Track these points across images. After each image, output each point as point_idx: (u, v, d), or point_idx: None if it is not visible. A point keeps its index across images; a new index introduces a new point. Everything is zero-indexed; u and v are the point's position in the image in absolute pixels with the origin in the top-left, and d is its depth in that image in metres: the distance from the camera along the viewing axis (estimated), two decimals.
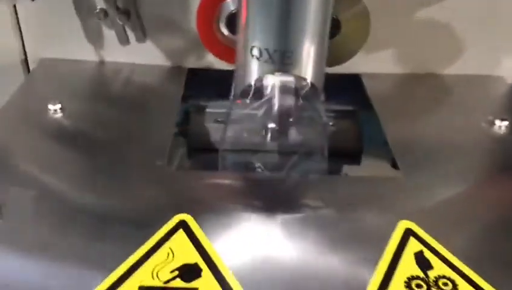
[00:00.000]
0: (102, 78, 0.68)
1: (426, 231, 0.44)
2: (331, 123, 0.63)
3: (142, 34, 0.66)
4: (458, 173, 0.53)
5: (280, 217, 0.46)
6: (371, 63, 0.67)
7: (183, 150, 0.63)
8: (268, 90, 0.48)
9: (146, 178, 0.50)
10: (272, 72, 0.47)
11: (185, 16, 0.65)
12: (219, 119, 0.63)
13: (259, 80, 0.48)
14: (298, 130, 0.54)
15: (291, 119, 0.51)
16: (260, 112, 0.51)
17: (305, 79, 0.48)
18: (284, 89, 0.48)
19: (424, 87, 0.68)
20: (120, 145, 0.55)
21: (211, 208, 0.46)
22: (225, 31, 0.56)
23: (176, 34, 0.67)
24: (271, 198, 0.49)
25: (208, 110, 0.64)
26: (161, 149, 0.53)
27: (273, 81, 0.48)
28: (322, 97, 0.52)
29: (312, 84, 0.49)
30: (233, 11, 0.54)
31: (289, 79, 0.48)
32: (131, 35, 0.66)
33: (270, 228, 0.45)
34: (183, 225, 0.43)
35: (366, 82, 0.68)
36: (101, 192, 0.47)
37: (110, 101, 0.63)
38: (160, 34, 0.67)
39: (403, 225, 0.44)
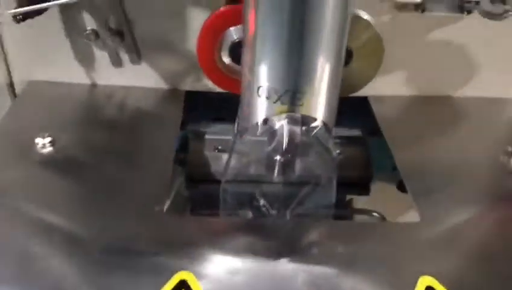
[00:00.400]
0: (94, 103, 0.64)
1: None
2: (338, 151, 0.60)
3: (137, 56, 0.62)
4: (474, 206, 0.50)
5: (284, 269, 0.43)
6: (379, 85, 0.61)
7: (181, 179, 0.60)
8: (276, 132, 0.45)
9: (143, 222, 0.46)
10: (281, 113, 0.43)
11: (182, 36, 0.61)
12: (219, 148, 0.60)
13: (266, 120, 0.44)
14: (306, 163, 0.51)
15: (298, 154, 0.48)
16: (267, 148, 0.47)
17: (316, 119, 0.44)
18: (293, 130, 0.44)
19: (435, 110, 0.65)
20: (115, 181, 0.51)
21: (212, 261, 0.43)
22: (227, 60, 0.52)
23: (172, 55, 0.63)
24: (274, 247, 0.45)
25: (207, 136, 0.60)
26: (159, 187, 0.49)
27: (281, 123, 0.44)
28: (333, 132, 0.49)
29: (324, 123, 0.45)
30: (236, 40, 0.50)
31: (298, 119, 0.44)
32: (124, 56, 0.62)
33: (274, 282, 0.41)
34: (183, 285, 0.40)
35: (373, 105, 0.65)
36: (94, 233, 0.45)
37: (103, 128, 0.59)
38: (155, 55, 0.63)
39: (424, 281, 0.41)
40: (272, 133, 0.45)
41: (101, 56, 0.62)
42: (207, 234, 0.46)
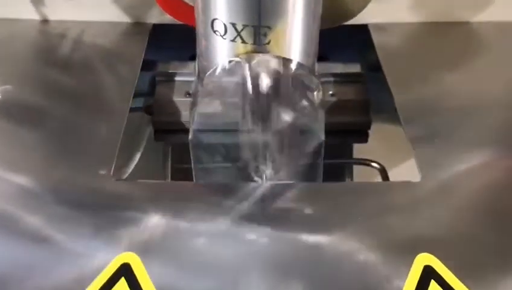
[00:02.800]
0: (46, 41, 0.56)
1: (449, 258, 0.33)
2: (331, 92, 0.51)
3: None
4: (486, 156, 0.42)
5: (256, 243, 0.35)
6: (380, 10, 0.53)
7: (149, 129, 0.52)
8: (239, 76, 0.36)
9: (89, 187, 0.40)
10: (244, 54, 0.34)
11: None
12: (191, 92, 0.51)
13: (228, 62, 0.35)
14: (286, 111, 0.42)
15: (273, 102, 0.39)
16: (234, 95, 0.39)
17: (289, 60, 0.35)
18: (258, 77, 0.35)
19: (446, 39, 0.55)
20: (68, 128, 0.45)
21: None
22: None
23: None
24: (245, 214, 0.37)
25: (177, 79, 0.52)
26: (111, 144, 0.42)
27: (243, 67, 0.35)
28: (315, 68, 0.40)
29: (300, 64, 0.36)
30: None
31: (265, 61, 0.35)
32: None
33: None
34: (125, 270, 0.33)
35: (374, 35, 0.55)
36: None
37: (56, 70, 0.52)
38: None
39: (421, 259, 0.33)
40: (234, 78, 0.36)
41: None
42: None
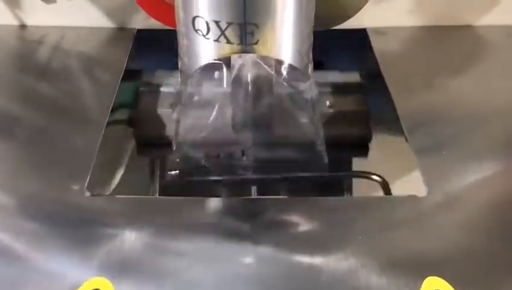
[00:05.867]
0: (24, 47, 0.54)
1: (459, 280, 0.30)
2: (328, 102, 0.48)
3: None
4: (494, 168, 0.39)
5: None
6: (379, 14, 0.52)
7: (131, 143, 0.49)
8: (224, 80, 0.32)
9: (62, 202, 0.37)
10: (230, 54, 0.31)
11: None
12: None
13: (209, 65, 0.32)
14: (279, 122, 0.39)
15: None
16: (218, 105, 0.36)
17: (280, 62, 0.32)
18: (246, 79, 0.32)
19: (449, 43, 0.52)
20: (44, 138, 0.42)
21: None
22: None
23: None
24: (231, 232, 0.34)
25: (162, 89, 0.49)
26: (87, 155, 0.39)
27: (228, 69, 0.31)
28: (310, 72, 0.37)
29: (292, 66, 0.33)
30: None
31: (253, 63, 0.31)
32: None
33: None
34: None
35: (373, 39, 0.52)
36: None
37: (34, 77, 0.49)
38: None
39: (430, 284, 0.30)
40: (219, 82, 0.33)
41: None
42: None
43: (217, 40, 0.30)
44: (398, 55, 0.51)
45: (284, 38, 0.31)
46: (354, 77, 0.51)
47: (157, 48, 0.54)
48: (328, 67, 0.53)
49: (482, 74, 0.49)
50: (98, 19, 0.53)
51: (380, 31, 0.52)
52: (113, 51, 0.51)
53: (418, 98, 0.46)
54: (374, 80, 0.50)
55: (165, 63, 0.53)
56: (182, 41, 0.33)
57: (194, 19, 0.30)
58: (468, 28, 0.53)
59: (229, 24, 0.29)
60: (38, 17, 0.54)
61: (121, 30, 0.54)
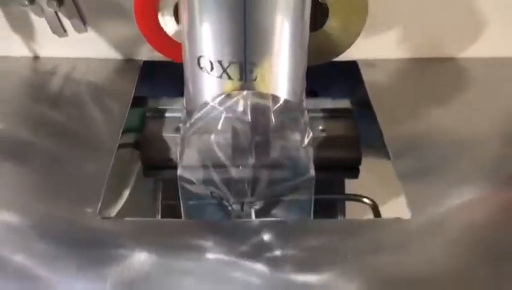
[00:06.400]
0: (37, 77, 0.55)
1: None
2: (321, 127, 0.51)
3: (81, 22, 0.53)
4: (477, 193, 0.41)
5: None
6: (369, 46, 0.54)
7: (138, 165, 0.52)
8: (226, 112, 0.36)
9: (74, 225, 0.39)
10: (230, 91, 0.34)
11: None
12: (180, 126, 0.51)
13: (213, 98, 0.35)
14: (274, 147, 0.42)
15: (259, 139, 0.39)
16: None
17: (276, 98, 0.35)
18: (246, 112, 0.35)
19: (435, 74, 0.55)
20: (56, 163, 0.44)
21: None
22: (172, 22, 0.43)
23: (124, 19, 0.53)
24: (233, 253, 0.36)
25: (167, 115, 0.52)
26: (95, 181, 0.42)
27: (229, 104, 0.35)
28: (304, 105, 0.40)
29: (287, 101, 0.36)
30: None
31: (252, 99, 0.35)
32: (68, 23, 0.53)
33: None
34: None
35: (363, 70, 0.55)
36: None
37: (46, 107, 0.51)
38: (104, 20, 0.54)
39: None
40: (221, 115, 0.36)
41: (42, 24, 0.53)
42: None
43: (219, 77, 0.33)
44: (386, 85, 0.54)
45: (281, 76, 0.34)
46: (345, 104, 0.53)
47: (162, 77, 0.57)
48: (321, 95, 0.56)
49: (464, 104, 0.51)
50: (107, 51, 0.56)
51: (370, 63, 0.55)
52: (121, 81, 0.54)
53: (404, 126, 0.48)
54: (363, 108, 0.52)
55: (169, 91, 0.56)
56: (188, 78, 0.36)
57: (199, 58, 0.33)
58: (452, 60, 0.56)
59: (230, 63, 0.33)
60: (50, 49, 0.56)
61: (128, 61, 0.56)
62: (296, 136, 0.41)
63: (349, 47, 0.45)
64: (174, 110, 0.52)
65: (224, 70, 0.33)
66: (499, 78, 0.55)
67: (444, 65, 0.55)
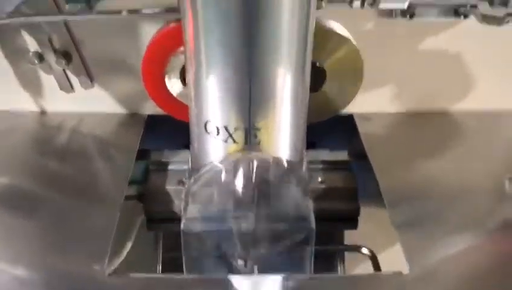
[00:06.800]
0: (44, 132, 0.57)
1: None
2: (320, 179, 0.52)
3: (88, 79, 0.55)
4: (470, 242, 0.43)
5: None
6: (364, 101, 0.55)
7: (141, 219, 0.53)
8: (230, 173, 0.37)
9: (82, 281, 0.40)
10: (235, 153, 0.36)
11: (138, 55, 0.53)
12: (184, 180, 0.52)
13: (219, 161, 0.37)
14: (275, 203, 0.43)
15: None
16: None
17: (278, 159, 0.37)
18: (249, 175, 0.36)
19: (428, 127, 0.57)
20: (63, 217, 0.45)
21: None
22: (178, 84, 0.45)
23: (129, 75, 0.55)
24: None
25: (170, 167, 0.53)
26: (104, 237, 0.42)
27: (234, 166, 0.36)
28: (304, 161, 0.42)
29: (288, 162, 0.38)
30: None
31: (256, 161, 0.36)
32: (75, 80, 0.55)
33: None
34: None
35: (359, 124, 0.57)
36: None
37: (53, 161, 0.53)
38: (110, 76, 0.56)
39: None
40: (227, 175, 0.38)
41: (49, 80, 0.56)
42: None
43: (225, 141, 0.35)
44: (381, 137, 0.55)
45: (283, 138, 0.36)
46: (342, 155, 0.55)
47: (165, 131, 0.59)
48: (319, 146, 0.58)
49: (457, 155, 0.53)
50: (112, 106, 0.57)
51: (365, 117, 0.56)
52: (126, 135, 0.55)
53: (399, 177, 0.49)
54: (360, 159, 0.53)
55: (172, 143, 0.57)
56: (194, 140, 0.38)
57: (206, 123, 0.35)
58: (444, 113, 0.58)
59: (236, 128, 0.35)
60: (57, 104, 0.57)
61: (133, 115, 0.58)
62: (296, 189, 0.42)
63: (346, 106, 0.47)
64: (176, 162, 0.53)
65: (230, 135, 0.35)
66: (490, 130, 0.57)
67: (436, 118, 0.57)
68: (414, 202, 0.46)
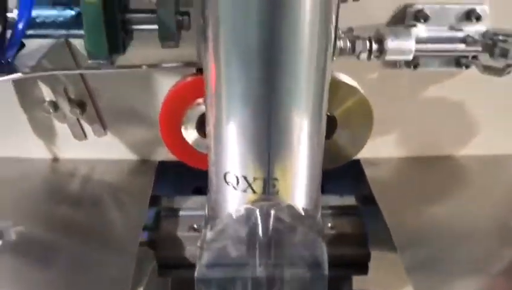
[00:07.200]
0: (57, 178, 0.58)
1: None
2: (329, 224, 0.53)
3: (101, 127, 0.56)
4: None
5: None
6: (372, 146, 0.56)
7: (152, 265, 0.53)
8: (246, 221, 0.38)
9: None
10: (253, 202, 0.37)
11: (150, 103, 0.55)
12: (195, 226, 0.53)
13: (237, 210, 0.38)
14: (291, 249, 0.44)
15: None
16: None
17: (295, 207, 0.38)
18: (267, 222, 0.37)
19: (434, 172, 0.58)
20: (77, 264, 0.46)
21: None
22: (194, 134, 0.46)
23: (140, 123, 0.57)
24: None
25: (181, 213, 0.54)
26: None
27: (254, 214, 0.37)
28: (319, 207, 0.42)
29: (304, 209, 0.39)
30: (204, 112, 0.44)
31: (274, 209, 0.37)
32: (88, 127, 0.57)
33: None
34: None
35: (366, 169, 0.58)
36: None
37: (66, 207, 0.53)
38: (122, 124, 0.57)
39: None
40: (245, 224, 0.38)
41: (63, 128, 0.57)
42: None
43: (244, 191, 0.36)
44: (388, 182, 0.57)
45: (300, 187, 0.37)
46: (350, 200, 0.56)
47: (177, 177, 0.60)
48: (327, 191, 0.59)
49: (463, 199, 0.54)
50: (124, 153, 0.58)
51: (372, 162, 0.58)
52: (138, 181, 0.56)
53: (408, 221, 0.51)
54: (368, 203, 0.55)
55: (182, 189, 0.59)
56: (212, 189, 0.39)
57: (225, 174, 0.36)
58: (449, 157, 0.59)
59: (255, 178, 0.36)
60: (70, 151, 0.58)
61: (144, 162, 0.59)
62: (312, 236, 0.43)
63: (357, 154, 0.48)
64: (188, 209, 0.54)
65: (249, 185, 0.36)
66: (494, 174, 0.59)
67: (441, 163, 0.59)
68: (424, 245, 0.47)
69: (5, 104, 0.55)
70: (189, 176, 0.58)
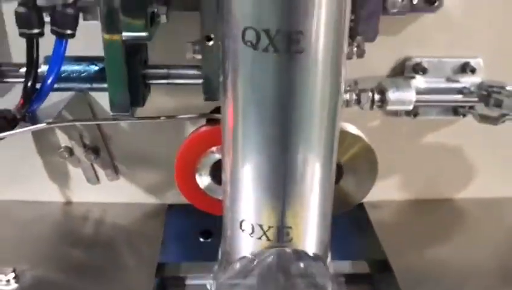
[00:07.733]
0: (70, 221, 0.59)
1: None
2: None
3: (114, 172, 0.58)
4: None
5: None
6: (374, 190, 0.57)
7: None
8: (259, 267, 0.40)
9: None
10: (267, 249, 0.39)
11: (161, 149, 0.57)
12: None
13: (251, 255, 0.40)
14: None
15: None
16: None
17: (307, 254, 0.40)
18: (282, 268, 0.39)
19: (432, 214, 0.61)
20: None
21: None
22: (208, 181, 0.48)
23: (152, 168, 0.59)
24: None
25: (187, 282, 0.54)
26: None
27: (268, 260, 0.39)
28: (329, 255, 0.44)
29: (316, 255, 0.40)
30: (218, 159, 0.47)
31: (287, 256, 0.39)
32: (101, 172, 0.59)
33: None
34: None
35: (370, 212, 0.60)
36: None
37: (78, 250, 0.55)
38: (134, 169, 0.60)
39: None
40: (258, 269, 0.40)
41: (76, 172, 0.59)
42: None
43: (259, 238, 0.38)
44: (391, 224, 0.59)
45: (311, 234, 0.39)
46: (363, 268, 0.56)
47: (186, 219, 0.61)
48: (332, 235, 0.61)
49: (463, 240, 0.56)
50: (135, 196, 0.60)
51: (375, 205, 0.60)
52: (149, 224, 0.58)
53: (411, 261, 0.53)
54: (373, 245, 0.56)
55: (193, 232, 0.59)
56: (226, 235, 0.41)
57: (241, 222, 0.38)
58: (449, 200, 0.62)
59: (269, 227, 0.38)
60: (82, 194, 0.60)
61: (155, 205, 0.60)
62: (323, 281, 0.44)
63: (362, 199, 0.50)
64: (194, 277, 0.54)
65: (264, 233, 0.38)
66: (492, 217, 0.61)
67: (442, 206, 0.61)
68: (428, 285, 0.49)
69: (22, 149, 0.57)
70: (197, 218, 0.59)
